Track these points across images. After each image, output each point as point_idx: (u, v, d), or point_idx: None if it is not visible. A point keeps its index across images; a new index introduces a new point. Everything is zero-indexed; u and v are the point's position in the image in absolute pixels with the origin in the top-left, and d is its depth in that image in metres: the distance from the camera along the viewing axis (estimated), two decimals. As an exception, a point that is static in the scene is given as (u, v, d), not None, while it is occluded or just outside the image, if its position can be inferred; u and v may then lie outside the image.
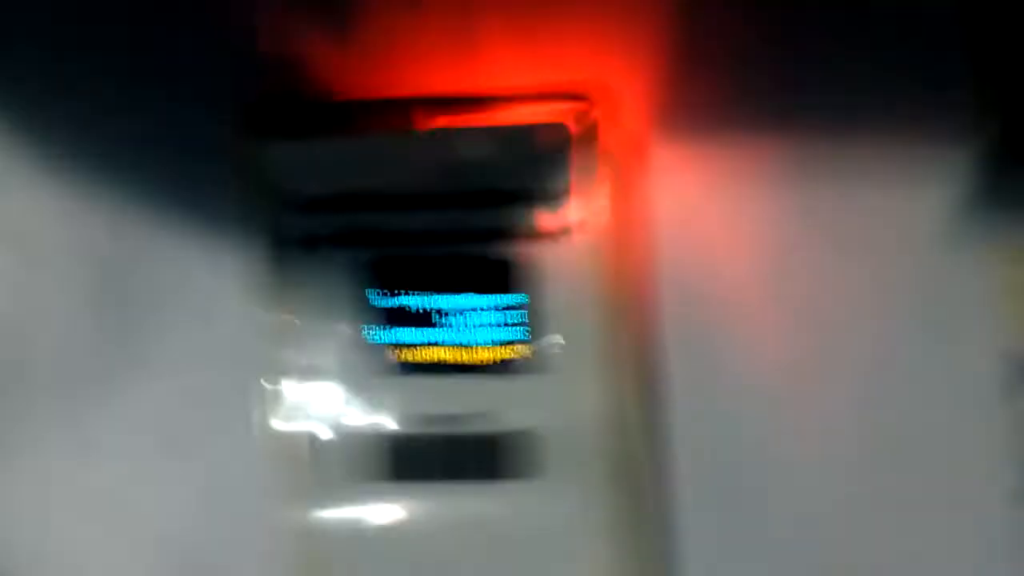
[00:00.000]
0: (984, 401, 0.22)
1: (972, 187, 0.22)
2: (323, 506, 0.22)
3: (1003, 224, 0.22)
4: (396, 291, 0.21)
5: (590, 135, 0.21)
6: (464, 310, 0.21)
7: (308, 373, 0.22)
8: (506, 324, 0.21)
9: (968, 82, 0.22)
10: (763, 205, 0.22)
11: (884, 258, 0.22)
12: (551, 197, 0.21)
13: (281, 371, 0.22)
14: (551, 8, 0.22)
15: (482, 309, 0.21)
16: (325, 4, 0.22)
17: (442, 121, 0.21)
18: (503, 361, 0.21)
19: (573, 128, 0.21)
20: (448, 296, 0.21)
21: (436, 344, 0.21)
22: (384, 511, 0.22)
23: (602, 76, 0.22)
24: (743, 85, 0.22)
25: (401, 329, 0.22)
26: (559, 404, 0.21)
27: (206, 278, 0.23)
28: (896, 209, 0.22)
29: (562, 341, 0.21)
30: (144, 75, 0.23)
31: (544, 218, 0.21)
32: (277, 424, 0.22)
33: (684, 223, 0.22)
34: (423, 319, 0.21)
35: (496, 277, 0.21)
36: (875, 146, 0.22)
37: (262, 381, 0.22)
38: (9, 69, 0.23)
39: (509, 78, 0.22)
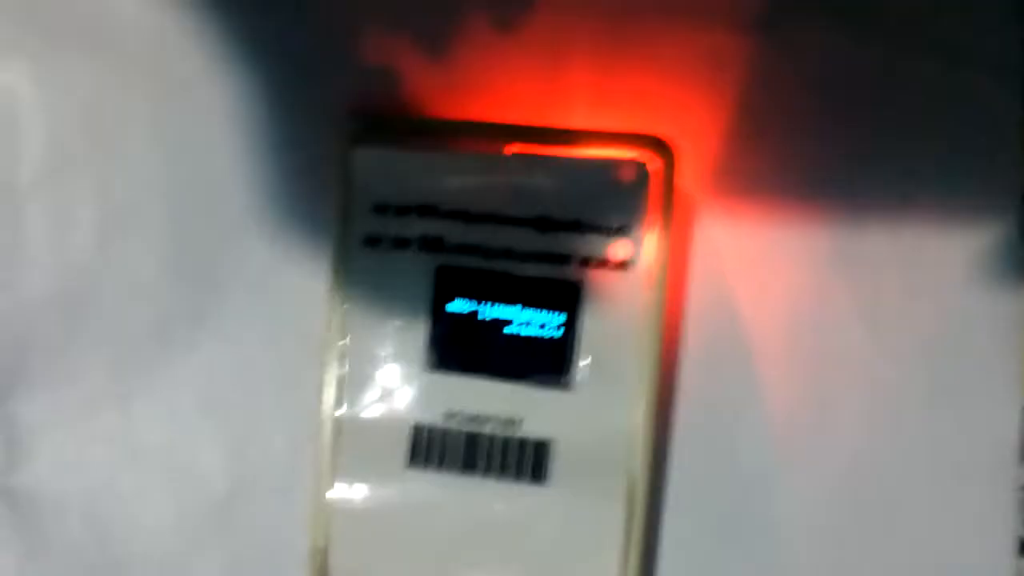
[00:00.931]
0: (996, 463, 0.23)
1: (1006, 258, 0.23)
2: (348, 483, 0.23)
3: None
4: (450, 297, 0.23)
5: (660, 177, 0.23)
6: (509, 322, 0.23)
7: (354, 360, 0.23)
8: (545, 340, 0.23)
9: (1018, 155, 0.24)
10: (795, 269, 0.24)
11: (904, 332, 0.24)
12: (614, 230, 0.23)
13: (329, 355, 0.24)
14: (634, 57, 0.24)
15: (526, 324, 0.23)
16: (424, 28, 0.25)
17: (523, 148, 0.23)
18: (535, 372, 0.23)
19: (648, 168, 0.22)
20: (497, 306, 0.23)
21: (478, 348, 0.23)
22: (404, 495, 0.23)
23: (672, 125, 0.23)
24: (796, 157, 0.24)
25: (447, 331, 0.23)
26: (580, 419, 0.23)
27: (274, 261, 0.25)
28: (925, 287, 0.24)
29: (593, 362, 0.23)
30: (255, 76, 0.25)
31: (603, 248, 0.23)
32: (316, 402, 0.24)
33: (718, 272, 0.24)
34: (469, 326, 0.23)
35: (546, 296, 0.23)
36: (916, 228, 0.24)
37: (308, 361, 0.24)
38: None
39: (588, 115, 0.24)
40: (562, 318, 0.23)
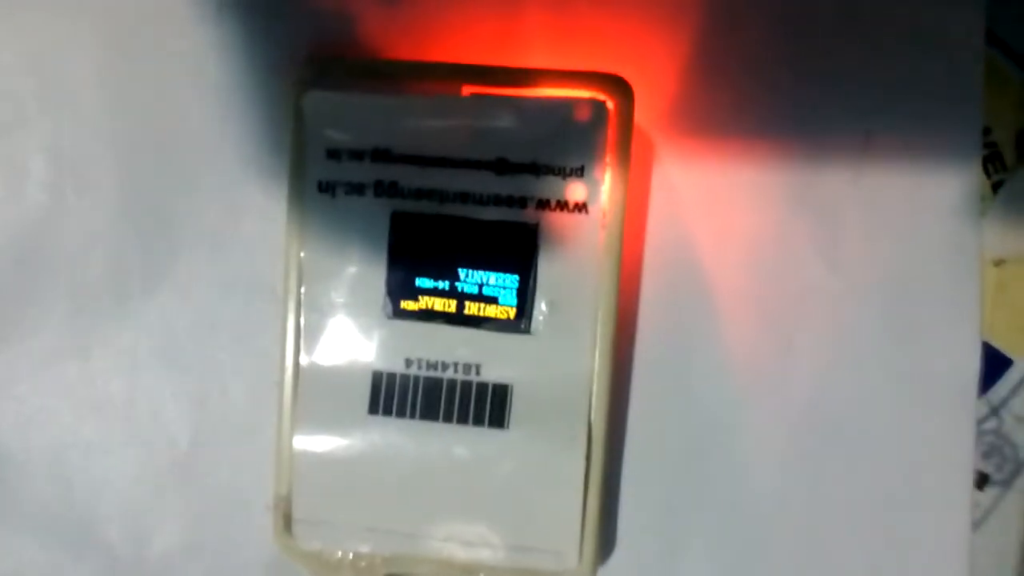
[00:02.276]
0: (955, 397, 0.24)
1: (966, 197, 0.23)
2: (310, 431, 0.23)
3: (991, 229, 0.24)
4: (407, 243, 0.23)
5: (618, 117, 0.22)
6: (466, 268, 0.23)
7: (312, 308, 0.23)
8: (502, 285, 0.23)
9: (977, 102, 0.23)
10: (753, 208, 0.24)
11: (864, 269, 0.24)
12: (571, 172, 0.22)
13: (287, 303, 0.23)
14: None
15: (483, 269, 0.23)
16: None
17: (479, 89, 0.23)
18: (493, 318, 0.23)
19: (606, 107, 0.22)
20: (454, 253, 0.23)
21: (435, 294, 0.23)
22: (365, 442, 0.23)
23: (630, 64, 0.23)
24: (755, 97, 0.24)
25: (405, 278, 0.23)
26: (538, 363, 0.23)
27: (229, 209, 0.25)
28: (884, 224, 0.24)
29: (551, 306, 0.23)
30: (207, 23, 0.24)
31: (560, 191, 0.22)
32: (276, 351, 0.23)
33: (676, 212, 0.24)
34: (427, 271, 0.23)
35: (503, 241, 0.23)
36: (876, 167, 0.24)
37: (267, 310, 0.24)
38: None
39: (545, 55, 0.24)
40: (515, 263, 0.23)
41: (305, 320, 0.23)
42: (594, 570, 0.23)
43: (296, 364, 0.23)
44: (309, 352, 0.23)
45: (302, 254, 0.23)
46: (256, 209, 0.24)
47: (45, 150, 0.25)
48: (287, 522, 0.24)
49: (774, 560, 0.24)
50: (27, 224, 0.25)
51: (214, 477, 0.25)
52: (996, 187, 0.24)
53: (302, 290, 0.23)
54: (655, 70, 0.24)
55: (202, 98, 0.24)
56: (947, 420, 0.24)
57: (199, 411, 0.25)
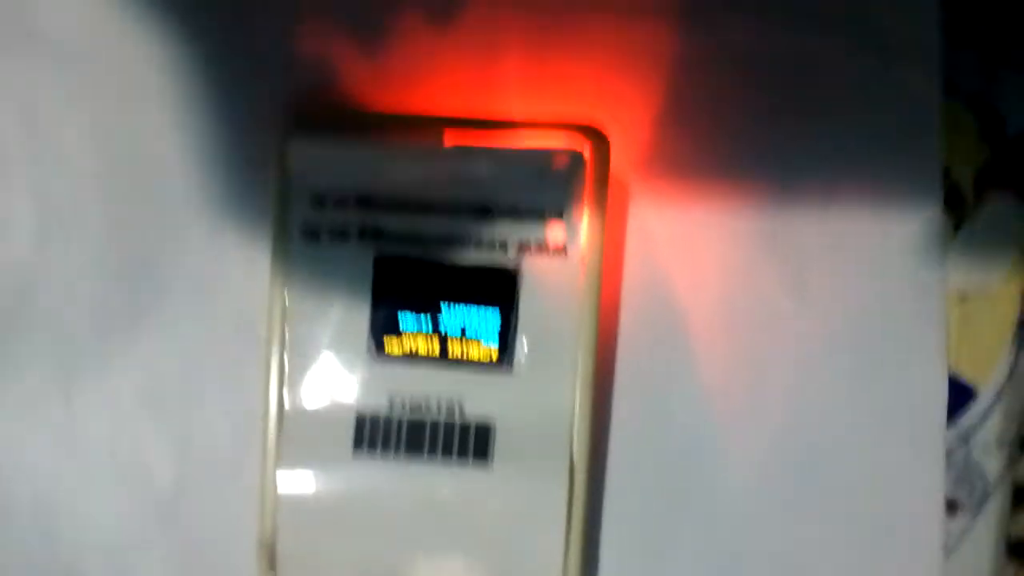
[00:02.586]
0: (923, 427, 0.25)
1: (929, 236, 0.24)
2: (294, 473, 0.24)
3: (954, 266, 0.25)
4: (390, 286, 0.23)
5: (595, 164, 0.23)
6: (449, 310, 0.23)
7: (296, 351, 0.24)
8: (485, 326, 0.23)
9: (936, 144, 0.24)
10: (725, 249, 0.25)
11: (832, 307, 0.25)
12: (550, 217, 0.23)
13: (271, 346, 0.24)
14: (566, 47, 0.25)
15: (466, 310, 0.23)
16: (360, 22, 0.25)
17: (459, 139, 0.23)
18: (475, 359, 0.23)
19: (583, 156, 0.23)
20: (437, 295, 0.23)
21: (419, 336, 0.23)
22: (350, 482, 0.23)
23: (605, 113, 0.24)
24: (725, 142, 0.24)
25: (388, 320, 0.23)
26: (520, 402, 0.23)
27: (214, 255, 0.25)
28: (851, 262, 0.25)
29: (532, 345, 0.23)
30: (192, 72, 0.25)
31: (540, 235, 0.23)
32: (260, 394, 0.24)
33: (652, 254, 0.25)
34: (410, 313, 0.23)
35: (485, 283, 0.23)
36: (842, 207, 0.24)
37: (251, 353, 0.24)
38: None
39: (523, 105, 0.24)
40: (496, 303, 0.23)
41: (289, 362, 0.24)
42: (577, 604, 0.24)
43: (280, 405, 0.24)
44: (293, 393, 0.24)
45: (286, 297, 0.24)
46: (241, 254, 0.25)
47: (30, 195, 0.25)
48: (272, 562, 0.24)
49: (753, 591, 0.25)
50: (11, 268, 0.25)
51: (199, 518, 0.25)
52: (957, 226, 0.25)
53: (286, 333, 0.24)
54: (629, 117, 0.24)
55: (188, 145, 0.25)
56: (917, 450, 0.25)
57: (183, 453, 0.25)
